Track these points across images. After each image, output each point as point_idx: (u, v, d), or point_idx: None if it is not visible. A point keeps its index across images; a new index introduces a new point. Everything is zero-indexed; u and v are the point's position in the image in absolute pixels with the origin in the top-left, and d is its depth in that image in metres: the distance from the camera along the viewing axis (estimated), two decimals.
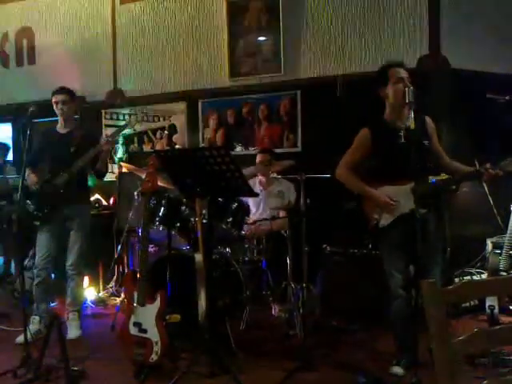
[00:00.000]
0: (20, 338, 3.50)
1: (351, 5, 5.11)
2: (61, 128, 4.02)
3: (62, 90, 3.95)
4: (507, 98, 3.70)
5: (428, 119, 3.14)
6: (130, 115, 5.74)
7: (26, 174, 3.67)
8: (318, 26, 5.22)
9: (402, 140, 2.99)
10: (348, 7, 5.12)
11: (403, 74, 3.06)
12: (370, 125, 3.17)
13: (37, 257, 3.91)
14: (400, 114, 3.04)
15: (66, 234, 3.94)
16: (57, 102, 3.91)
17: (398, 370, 3.04)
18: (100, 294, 5.06)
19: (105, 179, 4.35)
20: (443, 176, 3.39)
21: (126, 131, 3.91)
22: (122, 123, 3.93)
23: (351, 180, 3.17)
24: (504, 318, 3.88)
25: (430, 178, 3.07)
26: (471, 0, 4.92)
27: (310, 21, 5.25)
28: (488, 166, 2.81)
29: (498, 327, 1.44)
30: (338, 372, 3.19)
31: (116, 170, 5.97)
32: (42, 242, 3.90)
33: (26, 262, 4.58)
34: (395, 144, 2.99)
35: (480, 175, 2.88)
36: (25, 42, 6.65)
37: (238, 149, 5.61)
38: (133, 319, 3.13)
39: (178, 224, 3.84)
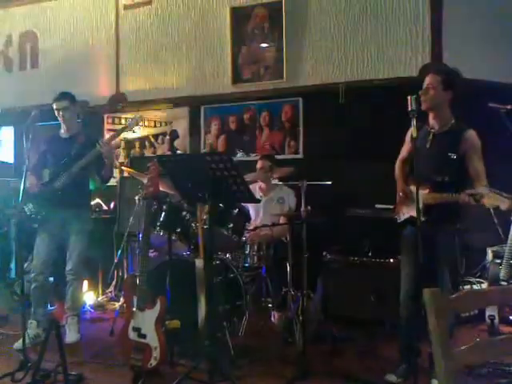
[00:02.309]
0: (18, 345, 3.48)
1: (354, 13, 5.13)
2: (64, 133, 4.03)
3: (62, 97, 3.93)
4: (509, 107, 3.70)
5: (469, 134, 2.98)
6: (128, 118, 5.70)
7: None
8: (321, 34, 5.24)
9: (428, 145, 3.02)
10: (350, 15, 5.14)
11: (426, 81, 3.05)
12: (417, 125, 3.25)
13: (34, 261, 3.89)
14: (428, 121, 3.08)
15: (66, 238, 3.93)
16: (58, 110, 3.91)
17: (392, 377, 3.06)
18: (99, 299, 5.06)
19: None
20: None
21: (126, 133, 3.92)
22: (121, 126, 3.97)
23: (396, 170, 3.32)
24: (504, 328, 3.87)
25: None
26: (473, 9, 4.94)
27: (312, 28, 5.27)
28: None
29: (498, 338, 1.44)
30: (337, 380, 3.17)
31: (117, 175, 5.98)
32: (41, 245, 3.89)
33: (25, 265, 4.56)
34: (421, 148, 3.02)
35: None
36: (28, 46, 6.68)
37: (240, 155, 5.60)
38: (132, 324, 3.12)
39: (179, 229, 3.84)
